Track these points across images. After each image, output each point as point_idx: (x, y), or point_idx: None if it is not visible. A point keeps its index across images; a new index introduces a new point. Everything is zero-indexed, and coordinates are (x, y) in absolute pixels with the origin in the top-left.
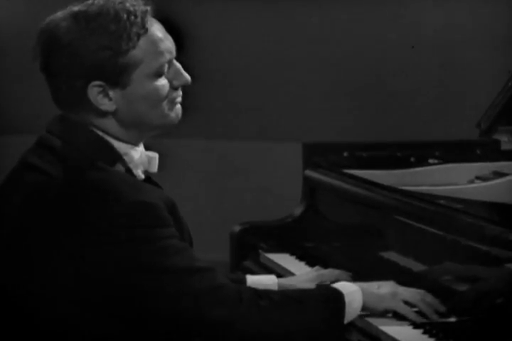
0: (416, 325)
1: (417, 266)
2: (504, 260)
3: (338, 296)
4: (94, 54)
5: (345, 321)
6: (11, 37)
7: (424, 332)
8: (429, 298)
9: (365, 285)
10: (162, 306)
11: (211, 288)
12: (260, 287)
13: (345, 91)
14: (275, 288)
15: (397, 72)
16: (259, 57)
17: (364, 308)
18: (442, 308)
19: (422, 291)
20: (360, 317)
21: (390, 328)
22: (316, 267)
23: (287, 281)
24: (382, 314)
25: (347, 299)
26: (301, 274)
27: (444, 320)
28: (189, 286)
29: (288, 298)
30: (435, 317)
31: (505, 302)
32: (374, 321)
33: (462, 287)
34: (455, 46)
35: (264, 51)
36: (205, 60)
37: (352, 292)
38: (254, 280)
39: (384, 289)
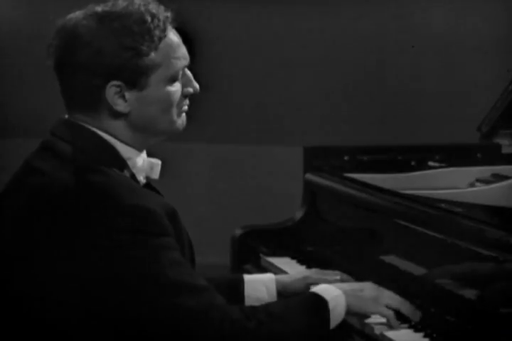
0: (416, 329)
1: (417, 270)
2: (505, 263)
3: (322, 304)
4: (117, 53)
5: (331, 326)
6: (16, 40)
7: (425, 336)
8: (407, 303)
9: (348, 288)
10: (146, 315)
11: (200, 308)
12: (258, 283)
13: (346, 95)
14: (273, 284)
15: (398, 75)
16: (260, 62)
17: (348, 312)
18: (419, 314)
19: (399, 297)
20: (360, 320)
21: (391, 331)
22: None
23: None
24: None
25: (331, 305)
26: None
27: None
28: (176, 301)
29: (273, 316)
30: (416, 319)
31: (506, 306)
32: (374, 324)
33: (463, 291)
34: (456, 47)
35: (264, 55)
36: (207, 65)
37: (335, 297)
38: (251, 278)
39: (367, 292)
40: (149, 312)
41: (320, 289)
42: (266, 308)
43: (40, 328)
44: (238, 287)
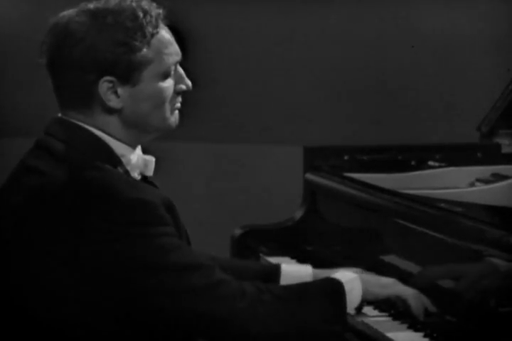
0: (416, 329)
1: (417, 270)
2: (505, 263)
3: (338, 285)
4: (109, 49)
5: (349, 309)
6: (12, 40)
7: (425, 336)
8: (424, 298)
9: (364, 274)
10: (160, 304)
11: (211, 284)
12: (295, 278)
13: (345, 95)
14: (310, 279)
15: (398, 75)
16: (260, 60)
17: (367, 295)
18: (433, 309)
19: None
20: (360, 319)
21: (391, 332)
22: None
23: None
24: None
25: (347, 287)
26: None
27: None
28: (188, 283)
29: (288, 291)
30: (421, 318)
31: (506, 305)
32: (374, 324)
33: (462, 290)
34: (455, 47)
35: (264, 54)
36: (206, 63)
37: (351, 280)
38: (288, 269)
39: (384, 279)
40: (158, 296)
41: (335, 275)
42: (281, 285)
43: (45, 327)
44: (274, 276)
